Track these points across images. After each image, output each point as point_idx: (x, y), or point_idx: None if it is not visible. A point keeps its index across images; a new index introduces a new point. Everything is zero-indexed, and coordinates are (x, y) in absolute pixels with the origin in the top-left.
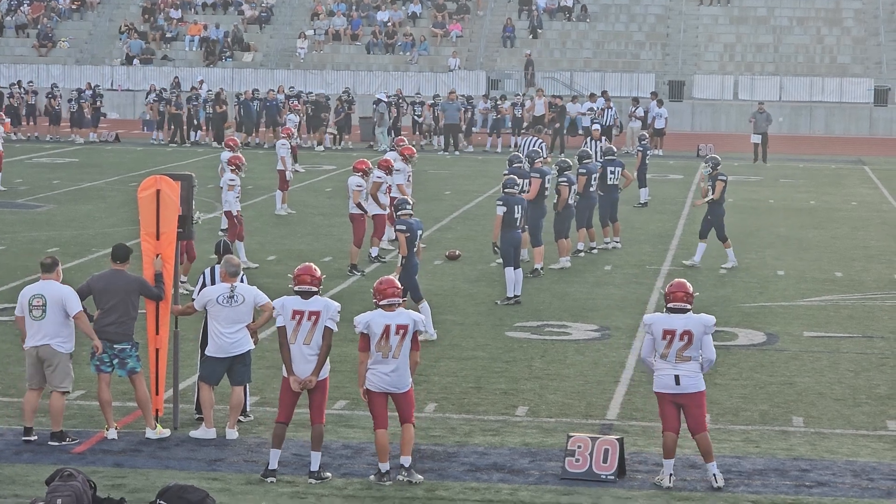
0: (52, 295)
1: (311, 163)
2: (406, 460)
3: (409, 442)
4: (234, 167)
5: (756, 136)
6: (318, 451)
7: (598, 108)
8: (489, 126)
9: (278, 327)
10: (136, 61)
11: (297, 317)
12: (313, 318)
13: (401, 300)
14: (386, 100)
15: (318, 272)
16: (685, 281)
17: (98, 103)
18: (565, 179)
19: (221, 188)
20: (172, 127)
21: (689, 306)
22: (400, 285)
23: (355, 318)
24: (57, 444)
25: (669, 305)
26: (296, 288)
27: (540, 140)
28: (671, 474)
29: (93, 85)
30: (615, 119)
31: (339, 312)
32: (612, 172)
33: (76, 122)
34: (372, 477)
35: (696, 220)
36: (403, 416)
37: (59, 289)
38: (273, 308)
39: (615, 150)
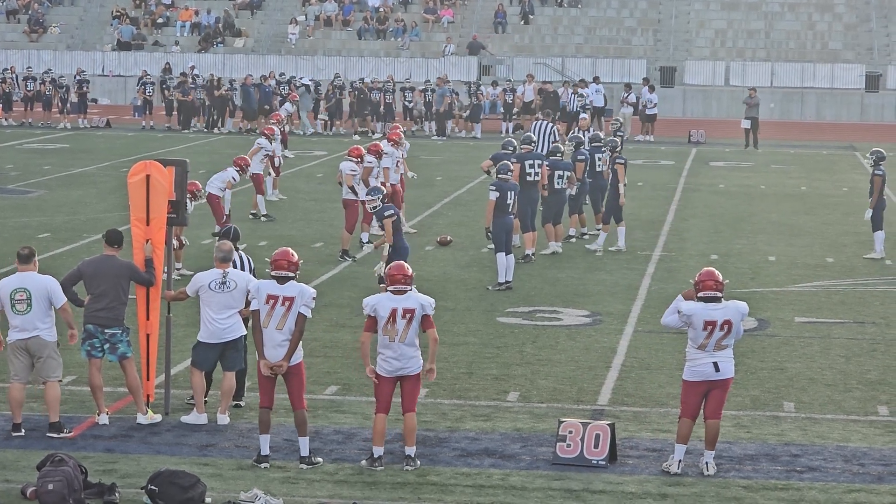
0: (36, 287)
1: (302, 149)
2: (411, 450)
3: (413, 432)
4: (238, 168)
5: (746, 122)
6: (305, 436)
7: (570, 95)
8: (468, 112)
9: (252, 311)
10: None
11: (272, 301)
12: (287, 303)
13: (411, 287)
14: (309, 83)
15: (296, 257)
16: (714, 269)
17: (84, 88)
18: (548, 163)
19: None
20: (182, 114)
21: (720, 294)
22: (411, 272)
23: (364, 299)
24: (56, 435)
25: (701, 295)
26: (272, 273)
27: (550, 124)
28: (680, 460)
29: (81, 71)
30: (578, 103)
31: (314, 299)
32: (599, 159)
33: (61, 107)
34: (364, 462)
35: (688, 206)
36: (407, 405)
37: (42, 280)
38: None
39: (602, 136)
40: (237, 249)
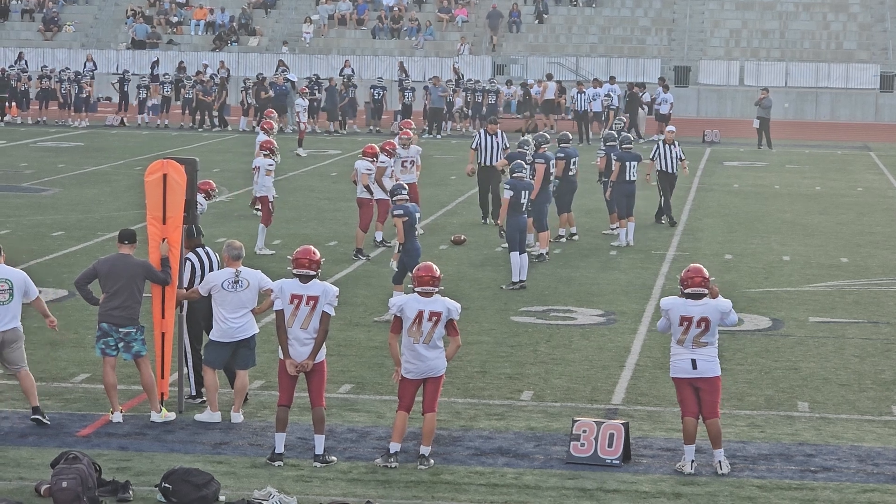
0: (16, 279)
1: (317, 147)
2: (426, 450)
3: (431, 433)
4: (268, 151)
5: (756, 122)
6: (322, 434)
7: (577, 95)
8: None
9: (276, 311)
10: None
11: (296, 301)
12: (311, 302)
13: (438, 288)
14: (295, 79)
15: (318, 255)
16: (701, 266)
17: (125, 88)
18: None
19: (254, 172)
20: (199, 113)
21: (706, 291)
22: (438, 273)
23: (390, 300)
24: (42, 418)
25: (687, 291)
26: (294, 271)
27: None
28: (692, 460)
29: (125, 70)
30: (604, 103)
31: (337, 297)
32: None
33: (77, 105)
34: (378, 460)
35: (702, 205)
36: (427, 405)
37: (18, 273)
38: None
39: (632, 138)
40: (203, 246)
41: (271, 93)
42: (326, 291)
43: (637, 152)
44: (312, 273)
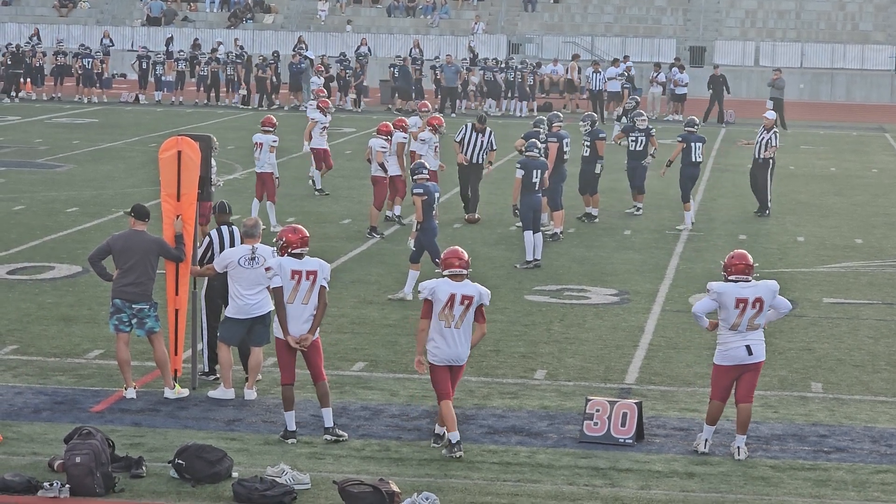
0: None
1: (331, 125)
2: (455, 436)
3: (455, 417)
4: (270, 127)
5: (770, 103)
6: (328, 406)
7: (592, 74)
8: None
9: (274, 288)
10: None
11: (297, 277)
12: (311, 277)
13: (467, 271)
14: (312, 57)
15: (307, 232)
16: (745, 252)
17: (144, 66)
18: (555, 138)
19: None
20: (259, 92)
21: (750, 278)
22: (466, 256)
23: (421, 283)
24: None
25: (731, 278)
26: (292, 251)
27: (481, 133)
28: (707, 440)
29: (142, 47)
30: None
31: (329, 272)
32: (633, 140)
33: (87, 80)
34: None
35: (717, 185)
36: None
37: None
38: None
39: (697, 121)
40: (230, 224)
41: (332, 72)
42: (322, 267)
43: (702, 135)
44: (306, 249)
